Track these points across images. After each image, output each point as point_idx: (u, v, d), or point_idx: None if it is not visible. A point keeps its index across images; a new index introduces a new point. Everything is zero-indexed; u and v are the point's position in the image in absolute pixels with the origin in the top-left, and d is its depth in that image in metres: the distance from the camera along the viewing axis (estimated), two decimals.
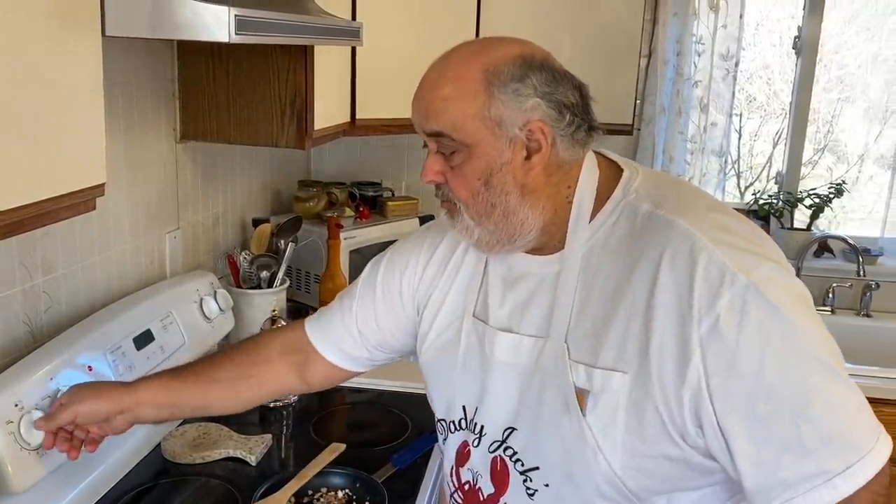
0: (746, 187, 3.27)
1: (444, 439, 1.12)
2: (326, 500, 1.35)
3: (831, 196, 2.60)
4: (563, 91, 0.95)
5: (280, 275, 1.94)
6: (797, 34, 2.59)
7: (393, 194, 2.57)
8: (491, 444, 1.03)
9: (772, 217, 2.66)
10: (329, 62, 1.84)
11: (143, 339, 1.48)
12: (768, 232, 2.69)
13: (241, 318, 1.88)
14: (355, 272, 2.23)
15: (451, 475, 1.10)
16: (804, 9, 2.56)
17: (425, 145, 1.00)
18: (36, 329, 1.37)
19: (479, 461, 1.05)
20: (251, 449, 1.49)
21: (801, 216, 2.68)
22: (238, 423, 1.62)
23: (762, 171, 3.39)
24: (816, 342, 0.87)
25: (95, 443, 1.18)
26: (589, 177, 0.99)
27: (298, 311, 1.94)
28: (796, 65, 2.62)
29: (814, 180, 2.94)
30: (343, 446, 1.43)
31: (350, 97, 2.03)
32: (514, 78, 0.93)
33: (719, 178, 2.57)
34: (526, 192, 0.96)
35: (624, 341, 0.91)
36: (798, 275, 2.52)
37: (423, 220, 2.48)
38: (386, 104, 2.11)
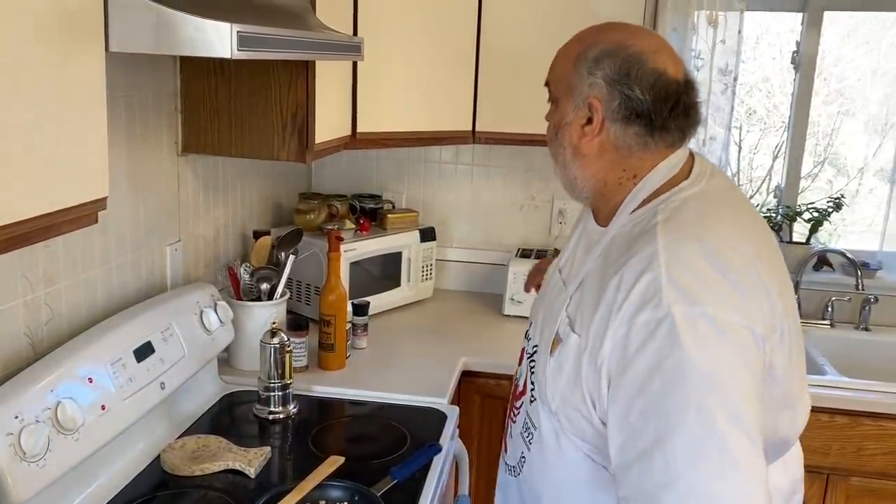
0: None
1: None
2: None
3: (830, 210, 2.61)
4: (632, 84, 1.08)
5: (280, 287, 1.95)
6: (795, 49, 2.60)
7: (393, 206, 2.58)
8: (529, 355, 1.27)
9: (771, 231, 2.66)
10: (330, 76, 1.85)
11: (144, 351, 1.49)
12: None
13: (242, 330, 1.88)
14: (355, 284, 2.24)
15: (514, 376, 1.36)
16: (802, 24, 2.58)
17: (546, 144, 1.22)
18: (37, 341, 1.38)
19: (523, 367, 1.30)
20: (250, 461, 1.49)
21: (800, 229, 2.69)
22: (238, 435, 1.63)
23: (762, 183, 3.39)
24: (708, 393, 0.93)
25: None
26: (662, 174, 1.12)
27: (298, 323, 1.94)
28: (794, 79, 2.64)
29: (814, 193, 2.95)
30: (342, 459, 1.43)
31: (351, 111, 2.04)
32: (594, 59, 1.10)
33: None
34: (577, 154, 1.15)
35: (589, 315, 1.07)
36: (797, 289, 2.54)
37: (424, 232, 2.49)
38: (387, 118, 2.13)
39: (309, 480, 1.37)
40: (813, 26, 2.56)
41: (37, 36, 0.88)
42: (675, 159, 1.13)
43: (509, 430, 1.32)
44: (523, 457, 1.24)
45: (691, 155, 1.18)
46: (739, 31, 2.44)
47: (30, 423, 1.18)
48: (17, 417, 1.17)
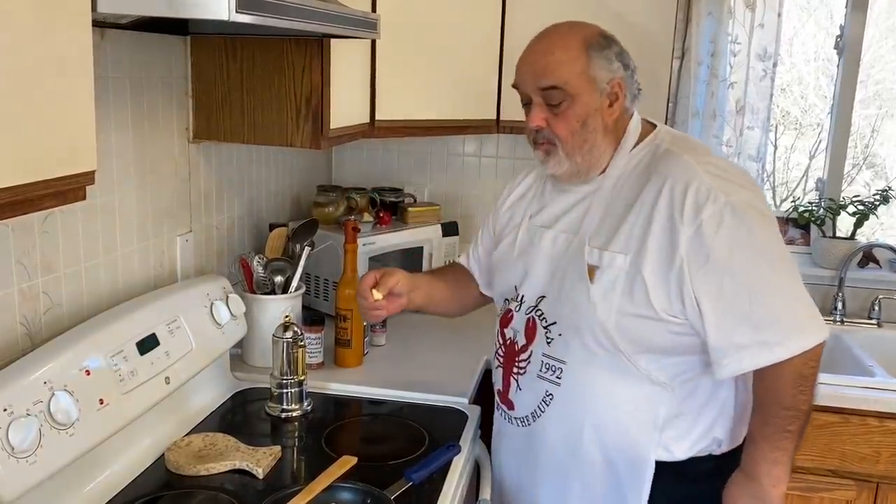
0: (782, 201, 3.14)
1: (499, 313, 1.53)
2: None
3: (877, 203, 2.46)
4: (627, 58, 1.35)
5: (295, 280, 1.87)
6: (839, 33, 2.47)
7: (415, 200, 2.49)
8: (527, 308, 1.43)
9: (812, 225, 2.53)
10: (347, 60, 1.77)
11: (148, 344, 1.41)
12: (808, 241, 2.56)
13: (255, 324, 1.81)
14: None
15: (498, 336, 1.51)
16: (846, 6, 2.44)
17: (525, 104, 1.36)
18: (34, 331, 1.31)
19: (518, 321, 1.44)
20: (259, 461, 1.41)
21: (843, 225, 2.55)
22: (248, 433, 1.55)
23: (797, 185, 3.27)
24: (774, 250, 1.26)
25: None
26: (636, 125, 1.39)
27: (314, 318, 1.86)
28: (839, 64, 2.50)
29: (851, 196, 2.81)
30: (354, 459, 1.34)
31: (370, 97, 1.96)
32: (603, 47, 1.32)
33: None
34: (607, 132, 1.35)
35: (630, 234, 1.29)
36: (840, 286, 2.40)
37: (446, 227, 2.39)
38: (407, 105, 2.04)
39: (318, 482, 1.29)
40: (857, 9, 2.42)
41: None
42: (636, 116, 1.40)
43: (514, 384, 1.45)
44: (549, 395, 1.38)
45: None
46: (779, 15, 2.31)
47: (20, 416, 1.11)
48: (5, 410, 1.09)
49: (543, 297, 1.40)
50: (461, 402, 1.73)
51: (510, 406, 1.47)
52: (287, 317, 1.66)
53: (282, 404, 1.64)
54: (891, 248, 2.38)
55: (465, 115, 2.15)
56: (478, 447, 1.64)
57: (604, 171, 1.38)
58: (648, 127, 1.41)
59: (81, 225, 1.41)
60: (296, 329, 1.64)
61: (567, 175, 1.38)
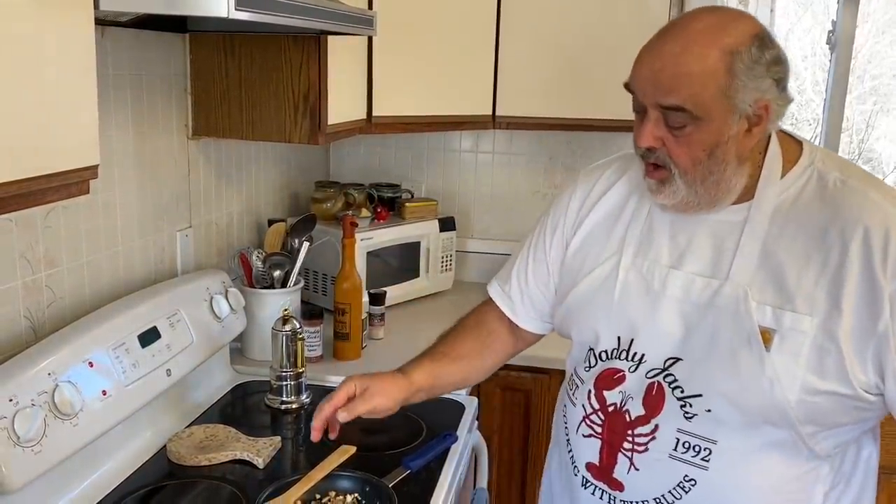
0: None
1: (588, 367, 1.21)
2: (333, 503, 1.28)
3: None
4: (784, 67, 1.04)
5: (294, 274, 1.89)
6: (831, 28, 2.49)
7: (412, 196, 2.52)
8: (649, 372, 1.13)
9: None
10: (344, 56, 1.79)
11: (150, 337, 1.44)
12: None
13: (254, 318, 1.83)
14: (372, 275, 2.18)
15: (590, 398, 1.19)
16: (839, 2, 2.47)
17: (637, 112, 1.08)
18: (38, 324, 1.34)
19: (634, 386, 1.14)
20: (259, 451, 1.43)
21: None
22: (248, 425, 1.57)
23: None
24: None
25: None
26: (778, 143, 1.10)
27: (313, 312, 1.89)
28: (831, 59, 2.52)
29: None
30: (353, 448, 1.36)
31: (366, 94, 1.98)
32: (754, 59, 1.00)
33: None
34: (741, 161, 1.07)
35: (814, 290, 1.03)
36: None
37: (443, 222, 2.42)
38: (403, 101, 2.06)
39: (318, 470, 1.31)
40: (850, 3, 2.45)
41: None
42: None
43: (626, 462, 1.15)
44: (690, 480, 1.10)
45: None
46: (772, 10, 2.34)
47: (25, 407, 1.13)
48: (11, 400, 1.12)
49: (677, 360, 1.11)
50: (458, 392, 1.75)
51: (617, 486, 1.17)
52: (286, 310, 1.69)
53: (281, 396, 1.66)
54: None
55: (461, 110, 2.18)
56: (475, 437, 1.66)
57: (738, 200, 1.10)
58: (792, 144, 1.12)
59: (83, 220, 1.43)
60: (295, 322, 1.67)
61: (685, 206, 1.10)
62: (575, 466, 1.21)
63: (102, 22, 1.41)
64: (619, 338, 1.16)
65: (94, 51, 0.94)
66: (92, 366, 1.28)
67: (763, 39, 1.01)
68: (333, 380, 1.82)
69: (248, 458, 1.42)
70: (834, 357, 1.01)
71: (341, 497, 1.30)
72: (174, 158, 1.72)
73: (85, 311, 1.42)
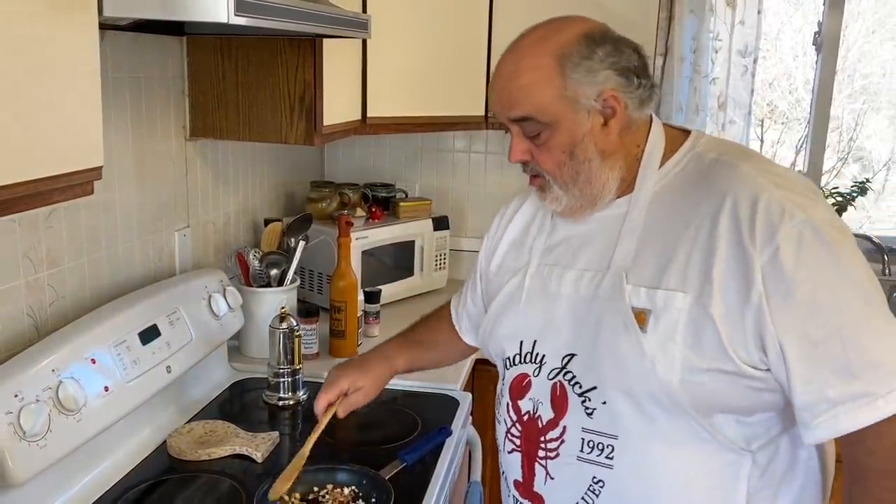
0: None
1: (503, 378, 1.22)
2: (332, 496, 1.31)
3: (855, 194, 2.54)
4: (626, 56, 1.06)
5: (290, 273, 1.92)
6: (817, 29, 2.54)
7: (406, 195, 2.55)
8: (550, 372, 1.12)
9: None
10: (339, 58, 1.82)
11: (150, 334, 1.47)
12: None
13: (252, 316, 1.86)
14: (367, 273, 2.21)
15: (508, 411, 1.18)
16: (824, 4, 2.51)
17: (506, 130, 1.11)
18: (40, 322, 1.36)
19: (540, 389, 1.13)
20: (257, 446, 1.47)
21: None
22: (246, 421, 1.60)
23: None
24: (864, 279, 0.98)
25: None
26: (659, 132, 1.12)
27: (309, 310, 1.92)
28: (817, 60, 2.56)
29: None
30: (334, 407, 1.34)
31: (361, 95, 2.01)
32: (583, 56, 1.04)
33: None
34: (606, 156, 1.08)
35: (686, 266, 1.01)
36: None
37: (437, 221, 2.45)
38: (397, 102, 2.10)
39: (314, 433, 1.30)
40: (835, 7, 2.49)
41: None
42: (655, 121, 1.13)
43: (542, 473, 1.13)
44: (598, 482, 1.07)
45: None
46: (759, 12, 2.38)
47: (30, 402, 1.16)
48: (16, 396, 1.15)
49: (573, 355, 1.10)
50: (452, 388, 1.79)
51: (538, 501, 1.14)
52: (283, 308, 1.72)
53: (279, 393, 1.70)
54: (868, 239, 2.45)
55: (454, 111, 2.21)
56: (469, 431, 1.70)
57: (621, 194, 1.11)
58: (678, 134, 1.14)
59: (84, 220, 1.46)
60: (292, 320, 1.70)
61: (569, 211, 1.13)
62: (507, 486, 1.21)
63: (102, 26, 1.41)
64: (521, 342, 1.16)
65: (98, 55, 0.97)
66: (94, 363, 1.31)
67: (592, 37, 1.05)
68: None
69: (246, 453, 1.45)
70: (710, 332, 0.98)
71: (339, 489, 1.33)
72: (172, 159, 1.75)
73: (86, 309, 1.45)
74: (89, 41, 0.95)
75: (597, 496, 1.08)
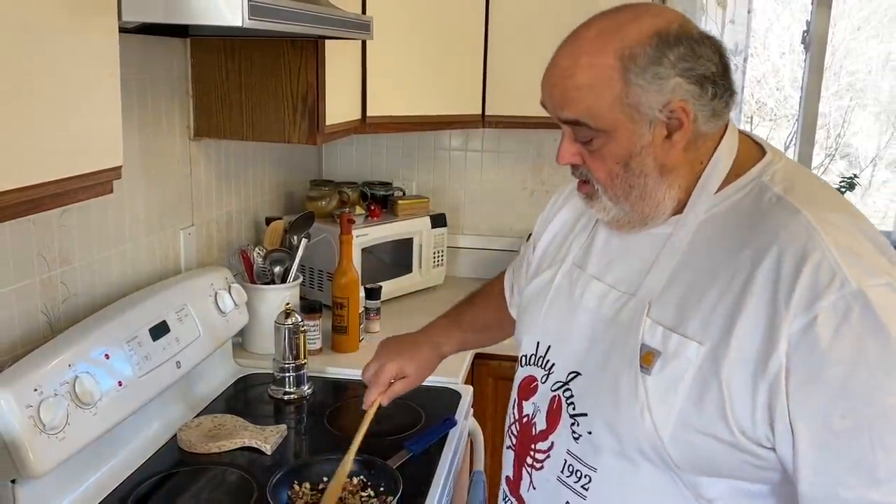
0: None
1: (516, 372, 1.16)
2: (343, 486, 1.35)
3: (843, 189, 2.60)
4: (704, 62, 0.91)
5: (293, 270, 1.96)
6: (805, 28, 2.59)
7: (404, 193, 2.59)
8: (555, 384, 1.05)
9: None
10: (339, 59, 1.86)
11: (160, 330, 1.50)
12: None
13: (256, 313, 1.89)
14: (367, 271, 2.25)
15: (514, 408, 1.13)
16: (812, 3, 2.57)
17: (558, 126, 0.99)
18: (54, 319, 1.39)
19: (542, 397, 1.07)
20: (266, 438, 1.50)
21: None
22: (253, 415, 1.64)
23: None
24: None
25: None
26: (727, 150, 0.97)
27: (312, 306, 1.95)
28: (805, 59, 2.62)
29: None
30: (377, 403, 1.37)
31: (360, 95, 2.05)
32: (652, 60, 0.89)
33: None
34: (665, 172, 0.95)
35: (711, 314, 0.89)
36: None
37: (435, 218, 2.49)
38: (396, 102, 2.13)
39: (360, 432, 1.34)
40: (822, 5, 2.54)
41: (53, 3, 0.89)
42: (731, 132, 0.99)
43: (527, 478, 1.08)
44: None
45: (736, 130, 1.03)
46: (749, 11, 2.43)
47: (49, 396, 1.19)
48: (35, 390, 1.18)
49: (578, 374, 1.02)
50: (454, 381, 1.83)
51: (521, 502, 1.12)
52: (288, 304, 1.75)
53: (284, 387, 1.73)
54: None
55: (452, 110, 2.25)
56: (471, 423, 1.74)
57: (677, 212, 0.99)
58: (753, 153, 0.99)
59: (94, 219, 1.49)
60: (297, 316, 1.73)
61: (616, 224, 1.02)
62: (502, 480, 1.18)
63: None
64: (538, 343, 1.11)
65: (118, 58, 1.01)
66: (108, 358, 1.34)
67: (665, 36, 0.90)
68: (333, 371, 1.89)
69: (256, 445, 1.49)
70: (715, 393, 0.87)
71: (348, 479, 1.36)
72: (177, 159, 1.78)
73: (97, 306, 1.48)
74: (111, 45, 0.99)
75: None
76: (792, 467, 0.85)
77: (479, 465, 1.66)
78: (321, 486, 1.35)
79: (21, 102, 0.86)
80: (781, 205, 0.91)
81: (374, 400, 1.36)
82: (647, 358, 0.93)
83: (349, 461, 1.31)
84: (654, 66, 0.89)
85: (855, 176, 2.66)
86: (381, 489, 1.34)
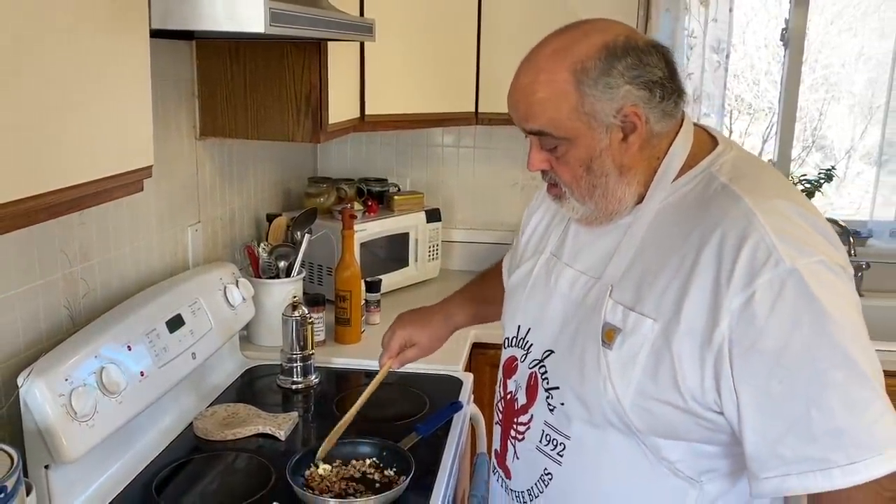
0: None
1: (503, 354, 1.27)
2: (354, 467, 1.41)
3: (821, 181, 2.70)
4: (650, 69, 1.01)
5: (297, 264, 2.02)
6: (784, 26, 2.69)
7: (399, 189, 2.65)
8: (532, 362, 1.16)
9: None
10: (340, 59, 1.92)
11: (175, 323, 1.56)
12: None
13: (261, 307, 1.95)
14: (365, 265, 2.31)
15: (500, 386, 1.25)
16: (790, 1, 2.66)
17: (527, 136, 1.10)
18: (76, 313, 1.45)
19: (522, 375, 1.18)
20: (280, 425, 1.57)
21: None
22: (263, 404, 1.70)
23: None
24: (849, 341, 0.90)
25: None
26: (682, 144, 1.07)
27: (316, 299, 2.02)
28: (784, 56, 2.72)
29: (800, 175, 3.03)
30: (390, 362, 1.51)
31: (359, 94, 2.11)
32: (602, 72, 1.00)
33: None
34: (624, 171, 1.05)
35: (663, 294, 1.00)
36: None
37: (430, 213, 2.56)
38: (393, 100, 2.20)
39: (370, 387, 1.47)
40: (801, 4, 2.64)
41: (89, 13, 0.95)
42: (686, 125, 1.09)
43: (512, 450, 1.19)
44: (548, 474, 1.13)
45: (692, 122, 1.14)
46: (730, 10, 2.52)
47: (79, 386, 1.25)
48: (66, 380, 1.24)
49: (551, 352, 1.13)
50: (455, 369, 1.90)
51: (507, 474, 1.22)
52: (295, 297, 1.82)
53: (293, 377, 1.80)
54: (834, 222, 2.61)
55: (446, 108, 2.32)
56: (472, 408, 1.81)
57: (638, 203, 1.09)
58: (706, 145, 1.09)
59: (111, 217, 1.55)
60: (303, 308, 1.80)
61: (585, 220, 1.12)
62: (491, 453, 1.30)
63: None
64: (518, 326, 1.21)
65: (149, 63, 1.07)
66: (130, 349, 1.40)
67: (613, 49, 1.00)
68: (338, 361, 1.95)
69: (270, 432, 1.56)
70: (667, 365, 0.98)
71: (360, 461, 1.43)
72: (185, 158, 1.84)
73: (114, 300, 1.54)
74: (143, 52, 1.05)
75: (546, 486, 1.13)
76: (738, 429, 0.95)
77: (482, 447, 1.74)
78: (334, 467, 1.41)
79: (67, 108, 0.92)
80: (726, 193, 1.01)
81: (385, 363, 1.49)
82: (609, 335, 1.04)
83: (355, 411, 1.44)
84: (604, 77, 1.00)
85: (832, 168, 2.76)
86: (394, 469, 1.41)
